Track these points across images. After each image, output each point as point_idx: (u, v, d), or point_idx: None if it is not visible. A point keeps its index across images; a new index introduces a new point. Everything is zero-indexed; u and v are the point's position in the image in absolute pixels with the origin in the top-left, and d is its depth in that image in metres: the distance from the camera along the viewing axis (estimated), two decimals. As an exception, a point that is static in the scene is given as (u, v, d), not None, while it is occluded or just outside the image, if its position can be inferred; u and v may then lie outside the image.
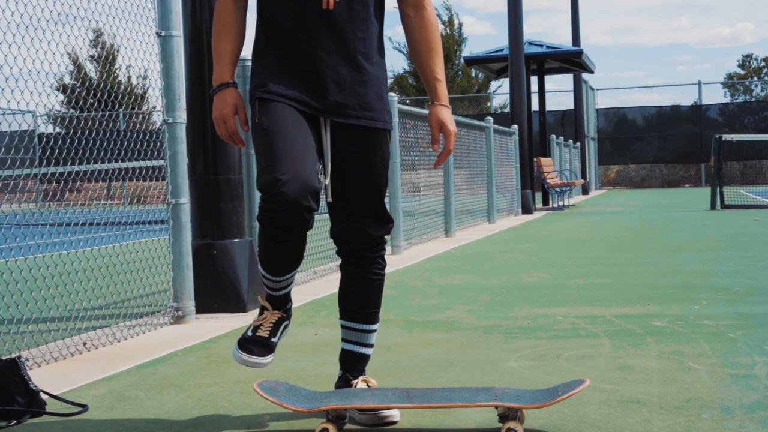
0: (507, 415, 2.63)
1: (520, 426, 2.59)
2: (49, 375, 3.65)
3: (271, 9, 2.78)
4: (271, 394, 2.71)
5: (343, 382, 2.94)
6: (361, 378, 2.92)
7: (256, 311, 5.14)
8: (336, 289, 3.05)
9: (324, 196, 2.80)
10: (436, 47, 2.90)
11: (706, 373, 3.32)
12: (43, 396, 3.09)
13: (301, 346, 4.13)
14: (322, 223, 2.91)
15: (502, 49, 19.12)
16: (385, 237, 2.91)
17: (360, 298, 2.91)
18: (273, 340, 2.82)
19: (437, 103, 2.89)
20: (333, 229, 2.90)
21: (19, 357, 3.09)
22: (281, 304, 2.90)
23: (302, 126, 2.72)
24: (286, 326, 2.90)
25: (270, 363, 2.81)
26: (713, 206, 15.37)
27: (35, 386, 3.06)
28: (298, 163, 2.63)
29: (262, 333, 2.81)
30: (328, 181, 2.79)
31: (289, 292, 2.92)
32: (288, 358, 3.87)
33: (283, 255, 2.78)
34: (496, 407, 2.67)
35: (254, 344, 2.79)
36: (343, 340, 2.97)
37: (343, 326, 2.97)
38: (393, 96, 9.06)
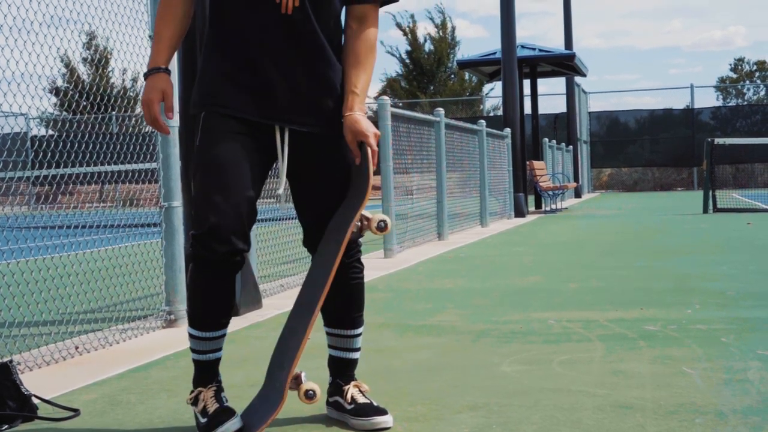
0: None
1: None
2: (41, 379, 3.64)
3: (224, 11, 2.68)
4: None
5: (335, 389, 2.93)
6: (352, 383, 2.91)
7: (249, 314, 5.16)
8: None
9: (278, 203, 2.77)
10: (364, 63, 2.75)
11: (699, 378, 3.33)
12: (35, 400, 3.08)
13: (294, 350, 4.12)
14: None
15: (494, 53, 19.14)
16: (359, 240, 2.89)
17: (342, 304, 2.89)
18: (225, 405, 2.71)
19: (347, 114, 2.72)
20: (306, 238, 2.87)
21: (11, 361, 3.08)
22: (211, 375, 2.77)
23: (245, 155, 2.65)
24: (224, 397, 2.76)
25: (241, 424, 2.66)
26: (705, 210, 15.41)
27: (27, 390, 3.05)
28: (236, 201, 2.61)
29: (211, 407, 2.69)
30: (281, 191, 2.73)
31: (218, 361, 2.79)
32: (281, 363, 3.86)
33: (216, 295, 2.71)
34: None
35: (214, 418, 2.65)
36: (330, 346, 2.96)
37: (328, 333, 2.95)
38: (385, 99, 9.07)
